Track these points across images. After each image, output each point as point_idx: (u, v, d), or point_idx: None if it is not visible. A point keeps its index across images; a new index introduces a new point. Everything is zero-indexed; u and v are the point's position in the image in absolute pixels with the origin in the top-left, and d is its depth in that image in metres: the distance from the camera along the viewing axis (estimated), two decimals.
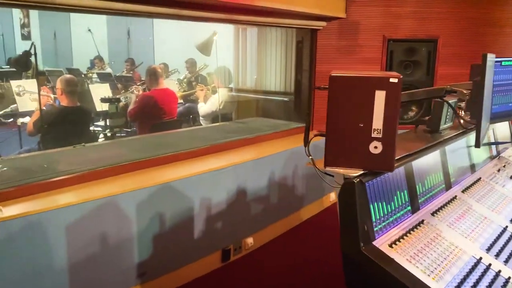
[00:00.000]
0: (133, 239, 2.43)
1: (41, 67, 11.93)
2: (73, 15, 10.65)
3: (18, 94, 4.21)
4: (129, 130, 4.44)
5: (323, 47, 4.03)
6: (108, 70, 8.57)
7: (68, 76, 3.88)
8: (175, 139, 3.50)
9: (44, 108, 4.16)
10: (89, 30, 9.85)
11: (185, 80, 7.54)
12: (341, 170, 1.42)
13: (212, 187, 2.84)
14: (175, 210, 2.64)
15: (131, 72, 7.71)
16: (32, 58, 3.39)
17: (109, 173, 2.55)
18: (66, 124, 3.71)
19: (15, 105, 4.33)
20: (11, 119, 5.51)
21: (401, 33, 4.02)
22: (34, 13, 11.86)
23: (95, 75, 7.93)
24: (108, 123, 3.98)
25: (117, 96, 4.44)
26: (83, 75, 7.81)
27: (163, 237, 2.58)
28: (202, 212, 2.80)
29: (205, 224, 2.83)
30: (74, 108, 3.84)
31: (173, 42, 8.69)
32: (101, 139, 4.37)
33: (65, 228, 2.11)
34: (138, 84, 7.23)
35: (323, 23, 3.92)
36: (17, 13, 12.42)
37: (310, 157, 1.53)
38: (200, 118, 5.26)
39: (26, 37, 12.36)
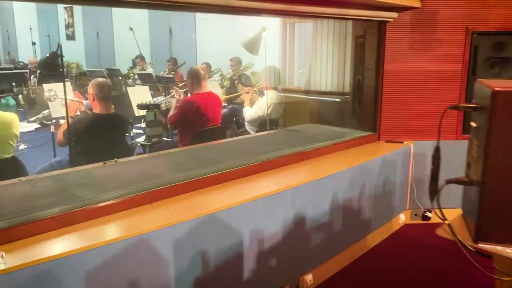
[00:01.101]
0: (169, 285, 1.95)
1: (84, 67, 11.89)
2: (115, 13, 10.47)
3: (49, 99, 3.86)
4: (169, 140, 4.00)
5: (393, 42, 3.41)
6: (149, 70, 8.25)
7: (101, 80, 3.47)
8: (219, 151, 3.01)
9: (76, 114, 3.79)
10: (131, 28, 9.60)
11: (227, 76, 7.09)
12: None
13: (264, 216, 2.32)
14: (219, 246, 2.13)
15: (173, 72, 7.33)
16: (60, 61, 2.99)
17: (140, 202, 2.08)
18: (98, 134, 3.30)
19: (48, 110, 3.99)
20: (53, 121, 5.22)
21: (488, 25, 3.34)
22: (78, 13, 11.81)
23: (136, 76, 7.63)
24: (146, 132, 3.54)
25: (156, 102, 4.00)
26: (123, 75, 7.51)
27: (206, 279, 2.08)
28: (252, 248, 2.29)
29: (255, 261, 2.32)
30: (108, 116, 3.43)
31: (216, 41, 8.26)
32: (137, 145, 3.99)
33: (83, 274, 1.65)
34: (179, 85, 6.86)
35: (394, 14, 3.30)
36: (62, 13, 12.43)
37: (447, 222, 0.95)
38: (246, 123, 4.75)
39: (70, 37, 12.35)
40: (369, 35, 3.71)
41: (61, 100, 3.91)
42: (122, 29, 10.21)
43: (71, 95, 4.04)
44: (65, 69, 9.49)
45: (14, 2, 14.25)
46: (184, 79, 7.22)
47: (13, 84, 7.75)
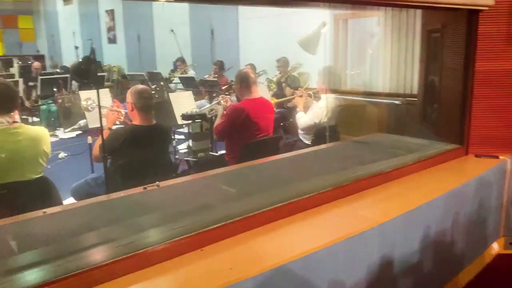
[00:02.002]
0: None
1: (125, 71, 11.74)
2: (156, 16, 10.22)
3: (86, 109, 3.49)
4: (217, 154, 3.54)
5: (487, 36, 2.80)
6: (191, 73, 7.89)
7: (140, 87, 3.05)
8: (277, 171, 2.52)
9: (118, 125, 3.41)
10: (172, 30, 9.30)
11: (274, 79, 6.59)
12: None
13: (345, 264, 1.80)
14: None
15: (216, 75, 6.92)
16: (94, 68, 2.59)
17: (188, 247, 1.61)
18: (138, 150, 2.89)
19: (84, 120, 3.63)
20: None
21: None
22: (119, 16, 11.67)
23: (177, 79, 7.26)
24: (190, 146, 3.10)
25: (202, 110, 3.54)
26: (165, 79, 7.17)
27: None
28: None
29: None
30: (149, 128, 3.01)
31: (260, 41, 7.78)
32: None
33: None
34: (222, 88, 6.43)
35: (490, 1, 2.70)
36: (103, 17, 12.35)
37: None
38: (299, 131, 4.24)
39: (112, 40, 12.25)
40: (450, 28, 3.11)
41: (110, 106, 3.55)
42: (163, 31, 9.94)
43: (110, 103, 3.66)
44: (106, 73, 9.33)
45: (58, 5, 14.39)
46: (229, 82, 6.79)
47: (55, 89, 7.58)
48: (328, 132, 3.62)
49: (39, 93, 7.46)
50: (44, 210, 1.93)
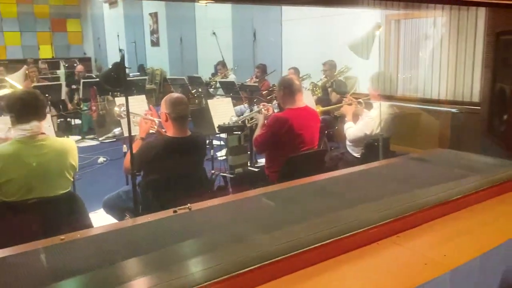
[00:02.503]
0: None
1: (167, 74, 11.71)
2: (198, 18, 10.11)
3: (120, 116, 3.31)
4: (256, 170, 3.26)
5: None
6: (231, 77, 7.66)
7: (175, 95, 2.82)
8: (317, 196, 2.21)
9: (152, 133, 3.20)
10: (214, 33, 9.13)
11: (319, 83, 6.25)
12: None
13: None
14: None
15: (257, 80, 6.65)
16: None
17: None
18: (170, 163, 2.66)
19: (119, 128, 3.45)
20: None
21: None
22: (162, 18, 11.67)
23: (217, 84, 7.06)
24: (228, 161, 2.83)
25: (240, 121, 3.25)
26: (204, 84, 6.98)
27: None
28: None
29: None
30: (183, 140, 2.78)
31: (303, 43, 7.46)
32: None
33: None
34: (263, 92, 6.15)
35: None
36: (147, 19, 12.40)
37: None
38: (347, 142, 3.88)
39: (155, 43, 12.28)
40: None
41: (133, 117, 3.36)
42: (204, 33, 9.81)
43: (145, 110, 3.47)
44: (147, 77, 9.29)
45: (104, 8, 14.65)
46: (271, 87, 6.51)
47: (97, 93, 7.58)
48: (381, 145, 3.26)
49: (80, 96, 7.50)
50: (62, 236, 1.72)
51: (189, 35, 10.54)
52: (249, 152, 3.26)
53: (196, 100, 5.19)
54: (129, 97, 4.74)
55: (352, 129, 3.75)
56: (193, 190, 2.65)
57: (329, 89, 6.17)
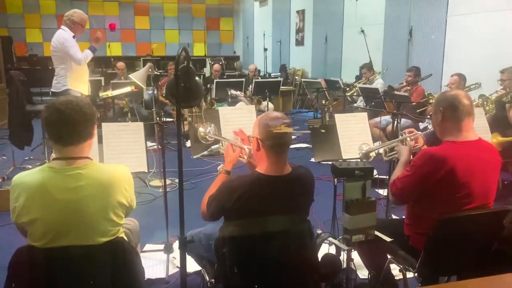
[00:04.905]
0: None
1: (309, 75, 10.94)
2: (346, 13, 9.08)
3: (205, 139, 2.54)
4: (388, 240, 2.17)
5: None
6: (378, 82, 6.48)
7: (273, 114, 1.92)
8: None
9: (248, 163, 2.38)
10: (362, 31, 8.02)
11: (493, 97, 4.74)
12: None
13: None
14: None
15: (408, 88, 5.38)
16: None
17: None
18: (259, 216, 1.81)
19: (217, 145, 2.73)
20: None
21: None
22: (309, 16, 10.91)
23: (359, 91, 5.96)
24: (342, 221, 1.81)
25: (375, 153, 2.15)
26: (343, 90, 5.96)
27: None
28: None
29: None
30: (281, 180, 1.90)
31: (473, 44, 5.90)
32: None
33: None
34: (414, 103, 4.90)
35: None
36: (294, 17, 11.79)
37: None
38: None
39: (299, 42, 11.61)
40: None
41: (222, 144, 2.59)
42: (352, 32, 8.73)
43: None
44: (281, 79, 8.61)
45: (255, 7, 14.55)
46: (425, 96, 5.22)
47: (229, 93, 7.20)
48: None
49: (213, 96, 7.18)
50: None
51: (335, 33, 9.57)
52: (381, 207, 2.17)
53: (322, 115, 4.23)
54: (237, 106, 4.02)
55: None
56: (291, 263, 1.77)
57: (507, 105, 4.64)
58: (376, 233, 1.84)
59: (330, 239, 1.97)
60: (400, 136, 2.42)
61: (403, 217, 2.38)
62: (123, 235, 1.94)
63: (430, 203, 2.09)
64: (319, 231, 2.12)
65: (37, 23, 14.21)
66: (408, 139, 2.38)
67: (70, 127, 1.69)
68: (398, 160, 2.36)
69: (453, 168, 2.00)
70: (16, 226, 1.79)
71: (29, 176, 1.71)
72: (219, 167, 2.28)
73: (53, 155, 1.79)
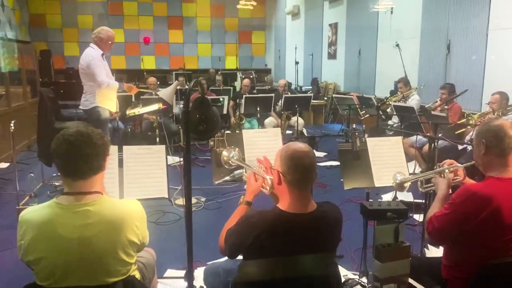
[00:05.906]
0: None
1: (341, 88, 10.71)
2: (381, 26, 8.83)
3: (228, 164, 2.41)
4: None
5: None
6: (414, 98, 6.20)
7: (296, 146, 1.76)
8: None
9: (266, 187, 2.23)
10: (397, 44, 7.78)
11: None
12: None
13: None
14: None
15: (446, 107, 5.10)
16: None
17: None
18: (279, 257, 1.66)
19: (240, 171, 2.59)
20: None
21: None
22: (342, 29, 10.72)
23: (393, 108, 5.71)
24: (372, 268, 1.62)
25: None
26: (377, 107, 5.72)
27: None
28: None
29: None
30: (304, 219, 1.74)
31: None
32: None
33: None
34: (452, 124, 4.63)
35: None
36: (326, 30, 11.62)
37: None
38: None
39: (331, 55, 11.41)
40: None
41: (245, 170, 2.45)
42: (387, 46, 8.48)
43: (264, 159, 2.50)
44: (312, 93, 8.44)
45: (287, 20, 14.47)
46: (462, 114, 4.93)
47: (258, 108, 7.12)
48: None
49: (242, 111, 7.09)
50: None
51: (368, 47, 9.33)
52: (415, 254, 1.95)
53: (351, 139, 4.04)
54: (265, 121, 3.80)
55: None
56: None
57: None
58: (410, 281, 1.65)
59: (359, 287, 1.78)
60: (438, 167, 2.21)
61: (441, 255, 2.16)
62: (135, 272, 1.83)
63: (470, 246, 1.88)
64: (345, 274, 1.93)
65: (75, 37, 14.63)
66: (446, 171, 2.17)
67: (80, 160, 1.59)
68: (435, 192, 2.16)
69: (498, 208, 1.79)
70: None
71: (36, 212, 1.62)
72: (240, 199, 2.14)
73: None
